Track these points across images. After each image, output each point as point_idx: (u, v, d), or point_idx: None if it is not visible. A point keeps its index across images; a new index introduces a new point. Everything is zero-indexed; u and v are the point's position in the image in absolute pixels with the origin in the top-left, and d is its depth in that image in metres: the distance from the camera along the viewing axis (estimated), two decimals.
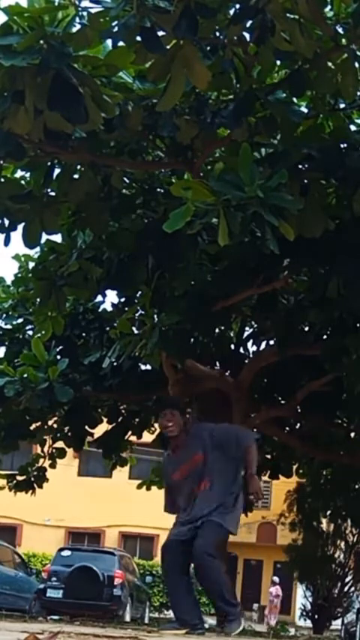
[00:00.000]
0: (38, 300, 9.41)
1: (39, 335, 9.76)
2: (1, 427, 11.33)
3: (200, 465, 5.99)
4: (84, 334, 11.02)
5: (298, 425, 11.60)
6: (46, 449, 12.77)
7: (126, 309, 9.34)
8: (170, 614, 27.35)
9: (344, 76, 6.19)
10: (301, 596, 19.57)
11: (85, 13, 5.53)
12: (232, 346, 10.66)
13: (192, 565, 5.95)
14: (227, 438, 6.08)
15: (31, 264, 9.85)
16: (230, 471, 6.00)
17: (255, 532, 31.40)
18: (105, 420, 12.02)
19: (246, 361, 10.24)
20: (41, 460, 12.91)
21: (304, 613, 19.03)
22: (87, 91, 5.72)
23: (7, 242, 7.45)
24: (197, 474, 6.01)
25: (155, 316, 8.35)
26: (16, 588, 18.10)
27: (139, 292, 8.84)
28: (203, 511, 5.87)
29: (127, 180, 8.11)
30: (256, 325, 10.43)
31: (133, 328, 8.59)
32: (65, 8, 5.50)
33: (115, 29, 5.44)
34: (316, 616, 18.18)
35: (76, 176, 7.37)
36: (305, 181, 6.88)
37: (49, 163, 7.19)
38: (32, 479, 12.90)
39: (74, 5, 5.49)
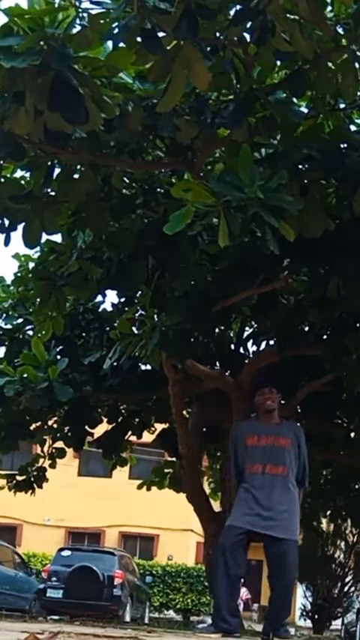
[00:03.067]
0: (38, 300, 9.40)
1: (39, 335, 9.76)
2: (1, 427, 11.33)
3: (284, 448, 6.21)
4: (84, 334, 11.02)
5: (298, 425, 11.59)
6: (46, 449, 12.77)
7: (126, 309, 9.35)
8: (170, 614, 27.32)
9: (344, 76, 6.19)
10: (301, 596, 19.58)
11: (85, 15, 5.53)
12: (232, 346, 10.67)
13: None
14: (303, 460, 6.39)
15: (31, 264, 9.85)
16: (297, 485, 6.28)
17: None
18: (105, 420, 12.01)
19: (246, 361, 10.24)
20: (41, 460, 12.91)
21: (304, 613, 19.05)
22: (87, 92, 5.72)
23: (7, 242, 7.46)
24: (278, 452, 6.19)
25: (155, 316, 8.35)
26: (16, 588, 18.14)
27: (139, 292, 8.85)
28: (282, 512, 6.05)
29: (127, 180, 8.11)
30: (256, 325, 10.43)
31: (133, 328, 8.59)
32: (66, 9, 5.50)
33: (116, 30, 5.43)
34: (316, 616, 18.20)
35: (76, 176, 7.37)
36: (305, 181, 6.89)
37: (49, 163, 7.19)
38: (32, 479, 12.90)
39: (75, 6, 5.49)
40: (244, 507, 6.11)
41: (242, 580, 6.43)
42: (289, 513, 6.13)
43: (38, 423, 11.81)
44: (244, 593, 26.17)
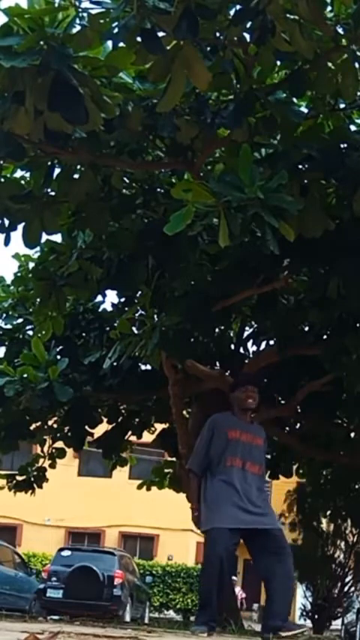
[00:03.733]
0: (38, 300, 9.41)
1: (39, 335, 9.76)
2: (1, 427, 11.33)
3: (260, 448, 6.25)
4: (84, 334, 11.02)
5: (298, 425, 11.60)
6: (46, 449, 12.77)
7: (126, 309, 9.35)
8: (170, 614, 27.23)
9: (344, 76, 6.19)
10: (301, 596, 19.56)
11: (85, 14, 5.53)
12: (232, 346, 10.67)
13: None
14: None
15: (31, 264, 9.85)
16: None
17: None
18: (105, 420, 12.01)
19: (246, 361, 10.24)
20: (41, 460, 12.91)
21: (304, 613, 19.02)
22: (87, 92, 5.72)
23: (7, 242, 7.46)
24: (256, 451, 6.22)
25: (155, 316, 8.35)
26: (16, 588, 18.12)
27: (139, 292, 8.85)
28: (265, 507, 6.11)
29: (127, 180, 8.11)
30: (256, 325, 10.43)
31: (133, 328, 8.60)
32: (65, 9, 5.50)
33: (116, 30, 5.44)
34: (316, 616, 18.18)
35: (76, 176, 7.37)
36: (305, 181, 6.89)
37: (49, 163, 7.19)
38: (32, 479, 12.90)
39: (74, 6, 5.50)
40: (229, 503, 6.01)
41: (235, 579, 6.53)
42: (269, 508, 6.25)
43: (38, 423, 11.81)
44: (239, 592, 26.15)
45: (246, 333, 10.65)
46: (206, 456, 6.17)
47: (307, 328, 9.56)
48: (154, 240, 7.73)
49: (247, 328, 10.63)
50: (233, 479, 6.05)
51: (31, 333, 10.98)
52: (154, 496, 16.31)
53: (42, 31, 5.41)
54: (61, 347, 10.46)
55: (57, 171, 7.31)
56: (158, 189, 8.26)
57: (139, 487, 14.05)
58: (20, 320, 11.22)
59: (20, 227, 7.28)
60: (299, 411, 10.79)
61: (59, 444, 12.60)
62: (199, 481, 6.19)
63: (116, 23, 5.42)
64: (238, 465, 6.09)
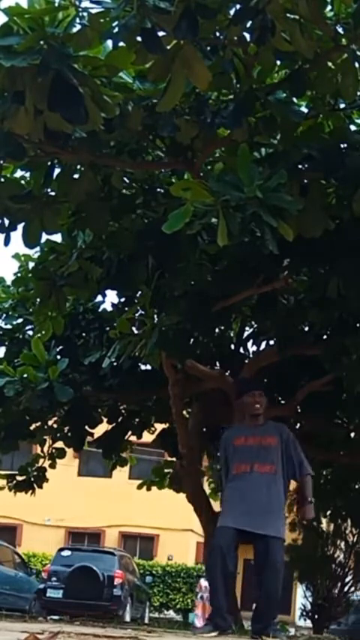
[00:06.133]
0: (38, 300, 9.41)
1: (39, 335, 9.76)
2: (1, 427, 11.33)
3: (271, 447, 6.27)
4: (84, 334, 11.02)
5: (298, 425, 11.59)
6: (46, 449, 12.77)
7: (126, 309, 9.34)
8: (170, 614, 27.22)
9: (344, 76, 6.19)
10: (301, 596, 19.55)
11: (85, 14, 5.53)
12: (232, 346, 10.66)
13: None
14: (296, 453, 6.41)
15: (31, 264, 9.85)
16: (285, 483, 6.32)
17: None
18: (105, 420, 12.01)
19: (246, 361, 10.24)
20: (41, 460, 12.90)
21: (304, 613, 19.01)
22: (87, 92, 5.72)
23: (7, 242, 7.46)
24: (265, 451, 6.25)
25: (155, 316, 8.35)
26: (16, 588, 18.12)
27: (139, 292, 8.85)
28: (268, 512, 6.12)
29: (127, 180, 8.11)
30: (256, 325, 10.43)
31: (133, 328, 8.60)
32: (65, 9, 5.50)
33: (116, 30, 5.44)
34: (316, 616, 18.17)
35: (76, 176, 7.37)
36: (305, 181, 6.89)
37: (49, 163, 7.19)
38: (32, 479, 12.89)
39: (74, 6, 5.49)
40: (233, 508, 6.18)
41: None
42: (275, 512, 6.21)
43: (38, 423, 11.81)
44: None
45: (246, 333, 10.65)
46: (227, 474, 6.36)
47: (307, 328, 9.56)
48: (153, 240, 7.73)
49: (247, 328, 10.63)
50: (240, 484, 6.19)
51: (31, 333, 10.98)
52: (154, 496, 16.30)
53: (42, 31, 5.42)
54: (61, 347, 10.46)
55: (57, 171, 7.31)
56: (158, 189, 8.26)
57: (139, 487, 14.05)
58: (20, 320, 11.22)
59: (20, 227, 7.28)
60: (299, 411, 10.78)
61: (59, 444, 12.60)
62: None
63: (116, 23, 5.42)
64: (244, 469, 6.20)
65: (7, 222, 7.28)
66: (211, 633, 5.83)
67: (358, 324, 8.67)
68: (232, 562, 6.06)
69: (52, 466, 12.91)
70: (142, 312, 8.55)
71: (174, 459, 12.45)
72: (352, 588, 17.99)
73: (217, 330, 9.96)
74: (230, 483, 6.26)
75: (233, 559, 6.07)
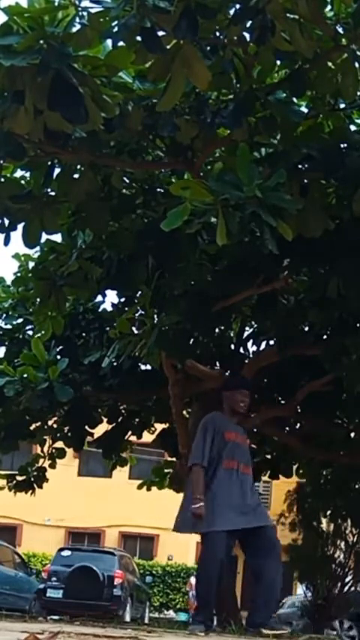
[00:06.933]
0: (38, 300, 9.41)
1: (39, 335, 9.76)
2: (1, 427, 11.33)
3: (248, 450, 6.44)
4: (84, 334, 11.01)
5: (298, 425, 11.59)
6: (46, 449, 12.76)
7: (126, 309, 9.34)
8: (170, 614, 27.14)
9: (344, 76, 6.19)
10: (301, 596, 19.54)
11: (85, 13, 5.53)
12: (232, 346, 10.66)
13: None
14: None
15: (31, 264, 9.85)
16: None
17: None
18: (105, 420, 12.01)
19: (246, 361, 10.23)
20: (41, 460, 12.90)
21: (304, 613, 19.00)
22: (87, 91, 5.72)
23: (7, 242, 7.46)
24: (248, 453, 6.39)
25: (155, 316, 8.35)
26: (16, 588, 18.13)
27: (139, 292, 8.84)
28: (258, 506, 6.27)
29: (127, 180, 8.11)
30: (256, 325, 10.42)
31: (133, 328, 8.59)
32: (65, 8, 5.50)
33: (116, 29, 5.44)
34: (316, 616, 18.16)
35: (76, 176, 7.37)
36: (305, 181, 6.88)
37: (49, 163, 7.19)
38: (32, 479, 12.89)
39: (74, 5, 5.50)
40: (228, 507, 6.11)
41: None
42: (262, 505, 6.42)
43: (38, 423, 11.80)
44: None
45: (246, 333, 10.64)
46: (210, 451, 6.20)
47: (307, 328, 9.55)
48: (153, 240, 7.73)
49: (247, 328, 10.62)
50: (232, 481, 6.17)
51: (31, 333, 10.97)
52: (154, 496, 16.29)
53: (42, 30, 5.42)
54: (61, 347, 10.45)
55: (57, 171, 7.31)
56: (158, 189, 8.26)
57: (139, 487, 14.05)
58: (20, 320, 11.22)
59: (20, 227, 7.28)
60: (299, 411, 10.77)
61: (59, 444, 12.59)
62: (204, 473, 6.19)
63: (116, 22, 5.42)
64: (234, 467, 6.20)
65: (7, 222, 7.29)
66: (202, 633, 5.85)
67: (358, 324, 8.67)
68: (229, 567, 6.19)
69: (52, 466, 12.91)
70: (142, 312, 8.54)
71: (174, 459, 12.44)
72: (352, 588, 17.98)
73: (217, 330, 9.96)
74: (219, 478, 6.15)
75: (232, 566, 6.15)
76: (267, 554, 6.08)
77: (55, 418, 11.85)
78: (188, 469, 6.42)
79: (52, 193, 7.45)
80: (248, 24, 5.66)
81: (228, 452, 6.20)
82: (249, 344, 10.74)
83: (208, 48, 5.97)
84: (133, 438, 12.83)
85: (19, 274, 10.53)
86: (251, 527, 6.11)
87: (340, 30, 5.97)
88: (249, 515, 6.10)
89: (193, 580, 26.42)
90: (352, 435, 11.66)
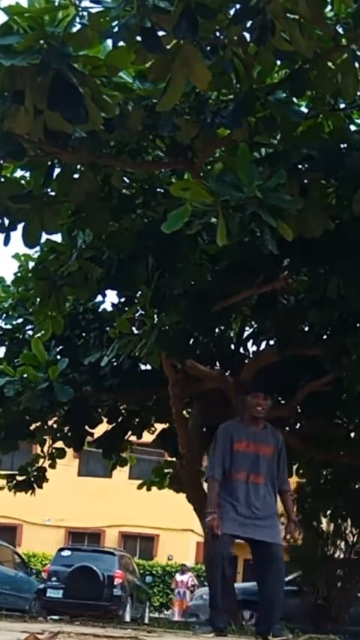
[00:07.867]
0: (38, 300, 9.41)
1: (39, 335, 9.76)
2: (1, 427, 11.33)
3: (266, 457, 6.27)
4: (84, 334, 11.02)
5: (298, 425, 11.59)
6: (46, 449, 12.76)
7: (126, 309, 9.34)
8: (170, 614, 27.11)
9: (344, 76, 6.19)
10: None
11: (85, 13, 5.53)
12: (232, 346, 10.66)
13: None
14: (283, 466, 6.44)
15: (31, 264, 9.85)
16: (275, 492, 6.41)
17: None
18: (105, 420, 12.01)
19: (246, 361, 10.23)
20: (41, 460, 12.90)
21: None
22: (87, 91, 5.72)
23: (7, 242, 7.46)
24: (262, 462, 6.26)
25: (155, 316, 8.35)
26: (16, 588, 18.11)
27: (139, 292, 8.84)
28: (266, 518, 6.21)
29: (127, 180, 8.11)
30: (256, 325, 10.42)
31: (133, 328, 8.59)
32: (65, 8, 5.50)
33: (116, 29, 5.44)
34: (316, 616, 18.16)
35: (76, 176, 7.37)
36: (305, 181, 6.88)
37: (49, 163, 7.19)
38: (32, 479, 12.89)
39: (74, 5, 5.50)
40: (231, 514, 6.16)
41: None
42: (272, 519, 6.30)
43: (38, 423, 11.80)
44: (189, 578, 25.55)
45: (246, 333, 10.64)
46: (222, 464, 6.26)
47: (307, 328, 9.55)
48: (153, 240, 7.73)
49: (247, 328, 10.62)
50: (237, 492, 6.19)
51: (31, 333, 10.98)
52: (154, 496, 16.29)
53: (42, 30, 5.42)
54: (61, 347, 10.46)
55: (57, 171, 7.31)
56: (158, 189, 8.26)
57: (139, 487, 14.04)
58: (20, 320, 11.22)
59: (20, 227, 7.28)
60: (299, 411, 10.78)
61: (59, 444, 12.59)
62: (218, 486, 6.26)
63: (116, 22, 5.42)
64: (242, 478, 6.20)
65: (7, 222, 7.28)
66: (211, 634, 5.91)
67: (358, 324, 8.67)
68: (230, 566, 6.21)
69: (52, 466, 12.91)
70: (142, 312, 8.55)
71: (174, 459, 12.44)
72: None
73: (217, 330, 9.96)
74: (226, 488, 6.21)
75: (232, 564, 6.17)
76: (267, 570, 6.16)
77: (55, 418, 11.85)
78: (209, 478, 6.48)
79: (52, 193, 7.45)
80: (248, 24, 5.65)
81: (235, 463, 6.22)
82: (249, 344, 10.75)
83: (208, 48, 5.97)
84: (133, 438, 12.83)
85: (19, 274, 10.54)
86: (257, 540, 6.16)
87: (340, 30, 5.97)
88: (254, 527, 6.13)
89: (178, 577, 26.35)
90: (352, 435, 11.67)
